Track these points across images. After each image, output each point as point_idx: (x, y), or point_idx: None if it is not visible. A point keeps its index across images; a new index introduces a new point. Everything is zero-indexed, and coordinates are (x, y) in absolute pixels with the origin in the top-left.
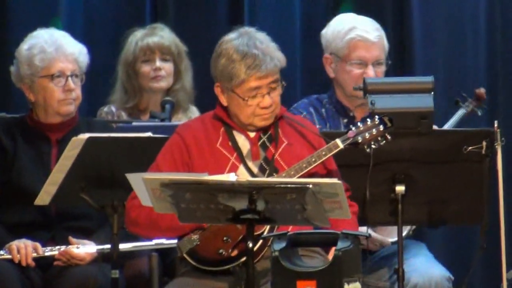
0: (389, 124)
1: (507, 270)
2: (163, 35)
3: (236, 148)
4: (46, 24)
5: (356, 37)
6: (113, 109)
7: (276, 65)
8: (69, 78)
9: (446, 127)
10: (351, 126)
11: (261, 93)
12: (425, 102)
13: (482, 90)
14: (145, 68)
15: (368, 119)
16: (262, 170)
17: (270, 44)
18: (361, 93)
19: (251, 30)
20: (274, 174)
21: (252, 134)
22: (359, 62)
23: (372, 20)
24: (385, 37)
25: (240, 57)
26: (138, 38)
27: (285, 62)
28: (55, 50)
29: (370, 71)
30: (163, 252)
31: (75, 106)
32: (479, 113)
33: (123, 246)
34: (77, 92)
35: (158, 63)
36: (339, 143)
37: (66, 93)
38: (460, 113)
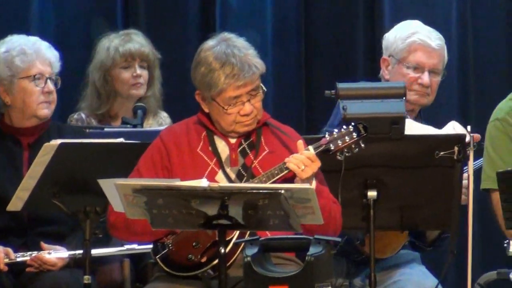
0: (363, 132)
1: (479, 275)
2: (141, 42)
3: (216, 153)
4: (16, 30)
5: (418, 41)
6: (83, 116)
7: (255, 73)
8: (48, 81)
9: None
10: (326, 132)
11: (241, 101)
12: (397, 107)
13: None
14: (125, 75)
15: (343, 126)
16: (239, 176)
17: (249, 51)
18: (412, 98)
19: (230, 36)
20: (251, 180)
21: (233, 140)
22: (416, 66)
23: (436, 31)
24: (446, 49)
25: (218, 66)
26: (118, 43)
27: (264, 67)
28: (35, 52)
29: (426, 77)
30: (135, 258)
31: (51, 110)
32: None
33: (95, 252)
34: (54, 96)
35: (138, 70)
36: (311, 150)
37: (45, 95)
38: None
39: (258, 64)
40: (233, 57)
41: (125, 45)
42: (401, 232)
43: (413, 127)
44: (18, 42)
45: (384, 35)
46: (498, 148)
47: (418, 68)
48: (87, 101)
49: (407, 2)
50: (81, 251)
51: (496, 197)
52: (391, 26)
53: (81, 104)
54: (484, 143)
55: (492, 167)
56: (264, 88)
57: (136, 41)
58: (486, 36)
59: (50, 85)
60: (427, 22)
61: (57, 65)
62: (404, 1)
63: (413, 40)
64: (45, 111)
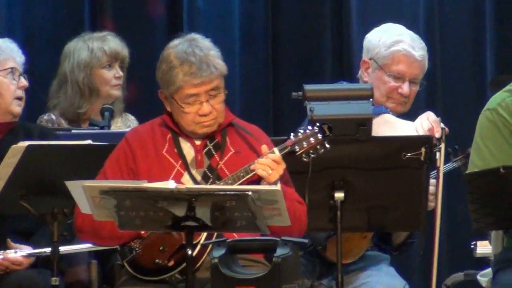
0: (327, 133)
1: (446, 276)
2: (121, 43)
3: (181, 155)
4: None
5: (402, 51)
6: (53, 117)
7: (213, 73)
8: (21, 76)
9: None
10: (291, 134)
11: (199, 101)
12: (364, 109)
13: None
14: (108, 74)
15: (309, 127)
16: (205, 178)
17: (211, 51)
18: (390, 106)
19: (196, 37)
20: (217, 182)
21: (198, 142)
22: (397, 76)
23: (419, 38)
24: (427, 59)
25: (178, 63)
26: (100, 44)
27: (226, 69)
28: (9, 48)
29: (406, 87)
30: (102, 258)
31: (22, 108)
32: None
33: (62, 249)
34: (24, 94)
35: (120, 71)
36: (276, 151)
37: (20, 89)
38: (449, 166)
39: (218, 65)
40: (193, 56)
41: (110, 45)
42: (363, 237)
43: (396, 125)
44: None
45: (366, 36)
46: (486, 138)
47: (399, 77)
48: (65, 101)
49: (374, 4)
50: (48, 249)
51: None
52: (359, 29)
53: (51, 104)
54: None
55: (478, 156)
56: (226, 90)
57: (117, 43)
58: (453, 37)
59: (24, 80)
60: (395, 23)
61: (22, 67)
62: (371, 3)
63: (397, 50)
64: (18, 109)
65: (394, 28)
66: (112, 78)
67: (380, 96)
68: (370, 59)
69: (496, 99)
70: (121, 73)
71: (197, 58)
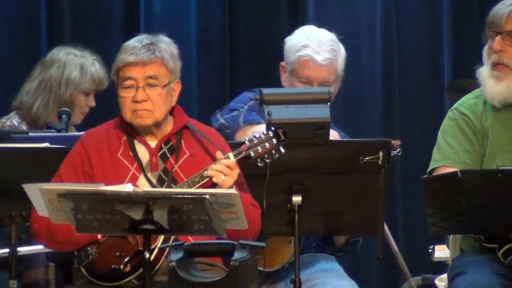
0: (282, 137)
1: (404, 280)
2: (106, 74)
3: (136, 158)
4: None
5: (305, 56)
6: (15, 122)
7: (150, 57)
8: None
9: None
10: (245, 139)
11: (136, 86)
12: (322, 113)
13: (397, 142)
14: (83, 101)
15: (263, 132)
16: (160, 181)
17: (161, 44)
18: None
19: (159, 35)
20: (172, 185)
21: (153, 144)
22: (305, 81)
23: (332, 39)
24: (340, 59)
25: (124, 47)
26: (93, 68)
27: (174, 65)
28: None
29: None
30: (61, 260)
31: None
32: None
33: (21, 249)
34: None
35: (93, 101)
36: (231, 157)
37: None
38: None
39: (162, 52)
40: (139, 41)
41: (99, 74)
42: (288, 242)
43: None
44: None
45: (285, 39)
46: (446, 134)
47: (307, 82)
48: (37, 107)
49: (331, 8)
50: (6, 250)
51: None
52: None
53: (18, 102)
54: None
55: (438, 151)
56: (169, 85)
57: (104, 72)
58: (410, 41)
59: None
60: (352, 27)
61: None
62: (328, 6)
63: (301, 55)
64: None
65: (306, 32)
66: (85, 106)
67: None
68: (286, 63)
69: (460, 101)
70: (94, 104)
71: (143, 42)
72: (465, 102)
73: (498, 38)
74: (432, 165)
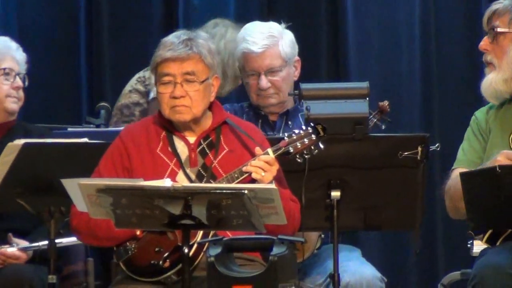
0: (321, 133)
1: (443, 275)
2: None
3: (175, 154)
4: None
5: (244, 49)
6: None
7: (188, 53)
8: (17, 77)
9: None
10: (285, 134)
11: (174, 82)
12: (360, 107)
13: (385, 103)
14: None
15: (303, 127)
16: (199, 177)
17: (200, 40)
18: (264, 100)
19: (197, 30)
20: (211, 181)
21: (191, 140)
22: (252, 73)
23: (270, 27)
24: (283, 43)
25: (162, 42)
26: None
27: (212, 61)
28: (6, 47)
29: (262, 81)
30: (104, 254)
31: (19, 106)
32: (383, 127)
33: (59, 241)
34: (22, 93)
35: None
36: (270, 153)
37: (15, 89)
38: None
39: (200, 48)
40: (177, 37)
41: None
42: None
43: None
44: None
45: None
46: (464, 139)
47: (254, 74)
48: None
49: (370, 2)
50: (45, 242)
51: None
52: (354, 21)
53: None
54: None
55: (457, 155)
56: (212, 87)
57: None
58: (449, 35)
59: (19, 81)
60: (390, 22)
61: (24, 66)
62: (366, 1)
63: (241, 50)
64: (14, 106)
65: (244, 28)
66: None
67: (253, 100)
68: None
69: (482, 107)
70: None
71: (180, 39)
72: (484, 108)
73: (485, 38)
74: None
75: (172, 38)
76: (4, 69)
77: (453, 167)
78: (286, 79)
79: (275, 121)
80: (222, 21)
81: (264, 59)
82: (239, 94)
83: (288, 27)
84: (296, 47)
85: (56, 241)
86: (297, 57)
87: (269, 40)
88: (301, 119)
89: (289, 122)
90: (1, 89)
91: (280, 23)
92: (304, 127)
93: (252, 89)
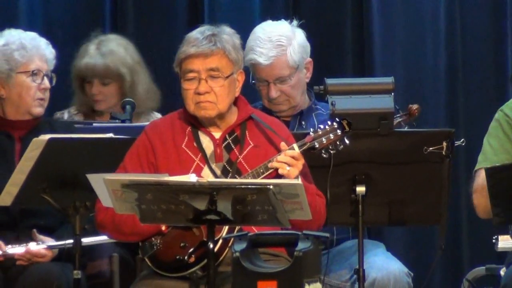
0: (347, 129)
1: (468, 270)
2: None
3: (201, 149)
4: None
5: (251, 60)
6: (66, 115)
7: (212, 48)
8: (45, 77)
9: None
10: (310, 129)
11: (199, 78)
12: (385, 103)
13: (414, 107)
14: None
15: (328, 122)
16: (225, 172)
17: (224, 35)
18: (275, 106)
19: (221, 25)
20: (236, 176)
21: (217, 135)
22: (261, 81)
23: (279, 34)
24: (291, 50)
25: (187, 38)
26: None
27: (237, 56)
28: (34, 47)
29: (271, 91)
30: (127, 250)
31: (44, 108)
32: (406, 127)
33: (85, 240)
34: (48, 94)
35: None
36: (296, 148)
37: (42, 91)
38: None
39: (224, 43)
40: (201, 33)
41: None
42: None
43: None
44: (18, 36)
45: None
46: (490, 135)
47: (264, 82)
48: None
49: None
50: (71, 241)
51: (476, 176)
52: (379, 18)
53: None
54: None
55: (482, 152)
56: (238, 82)
57: None
58: (474, 31)
59: (47, 82)
60: (415, 19)
61: (52, 63)
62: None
63: (249, 59)
64: (39, 109)
65: (254, 32)
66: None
67: (264, 104)
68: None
69: (510, 101)
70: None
71: (204, 34)
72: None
73: None
74: (476, 167)
75: (196, 34)
76: (32, 71)
77: (480, 166)
78: (296, 85)
79: (288, 121)
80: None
81: (272, 70)
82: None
83: (300, 25)
84: (308, 48)
85: (82, 240)
86: (308, 59)
87: (277, 50)
88: (315, 119)
89: (303, 123)
90: (30, 92)
91: (291, 21)
92: (329, 122)
93: (263, 96)
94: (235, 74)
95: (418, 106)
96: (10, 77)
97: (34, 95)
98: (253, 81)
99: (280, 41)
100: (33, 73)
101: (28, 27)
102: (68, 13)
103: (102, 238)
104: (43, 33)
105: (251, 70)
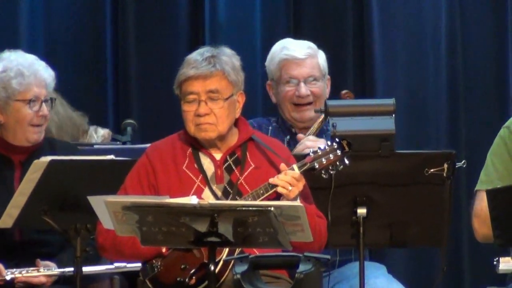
0: (347, 149)
1: None
2: None
3: (202, 170)
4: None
5: (284, 56)
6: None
7: (211, 70)
8: (43, 103)
9: None
10: (310, 150)
11: (199, 100)
12: (387, 124)
13: (343, 91)
14: None
15: (328, 143)
16: (225, 193)
17: (223, 57)
18: (300, 115)
19: (221, 47)
20: (237, 197)
21: (218, 157)
22: (290, 81)
23: (308, 42)
24: (320, 57)
25: (186, 60)
26: None
27: (237, 78)
28: (32, 74)
29: (301, 88)
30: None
31: (43, 133)
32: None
33: (85, 269)
34: (47, 118)
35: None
36: (296, 168)
37: (39, 118)
38: None
39: (224, 65)
40: (201, 55)
41: None
42: None
43: None
44: (16, 61)
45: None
46: (493, 153)
47: (293, 82)
48: None
49: (396, 16)
50: (71, 269)
51: (478, 197)
52: (380, 38)
53: None
54: None
55: (484, 170)
56: (237, 103)
57: None
58: (475, 50)
59: (45, 109)
60: (416, 38)
61: (52, 85)
62: (393, 13)
63: (281, 57)
64: (35, 136)
65: (279, 42)
66: None
67: (288, 111)
68: (271, 80)
69: None
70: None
71: (203, 56)
72: None
73: None
74: (477, 186)
75: (196, 55)
76: (30, 99)
77: (482, 187)
78: (323, 91)
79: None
80: None
81: (306, 66)
82: (265, 109)
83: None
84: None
85: (84, 269)
86: (328, 76)
87: (311, 49)
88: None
89: None
90: (25, 119)
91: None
92: (329, 143)
93: (288, 99)
94: (235, 95)
95: (348, 91)
96: (7, 104)
97: (30, 122)
98: (270, 81)
99: (310, 47)
100: (31, 101)
101: (30, 46)
102: (69, 35)
103: (103, 268)
104: (43, 55)
105: (276, 74)
